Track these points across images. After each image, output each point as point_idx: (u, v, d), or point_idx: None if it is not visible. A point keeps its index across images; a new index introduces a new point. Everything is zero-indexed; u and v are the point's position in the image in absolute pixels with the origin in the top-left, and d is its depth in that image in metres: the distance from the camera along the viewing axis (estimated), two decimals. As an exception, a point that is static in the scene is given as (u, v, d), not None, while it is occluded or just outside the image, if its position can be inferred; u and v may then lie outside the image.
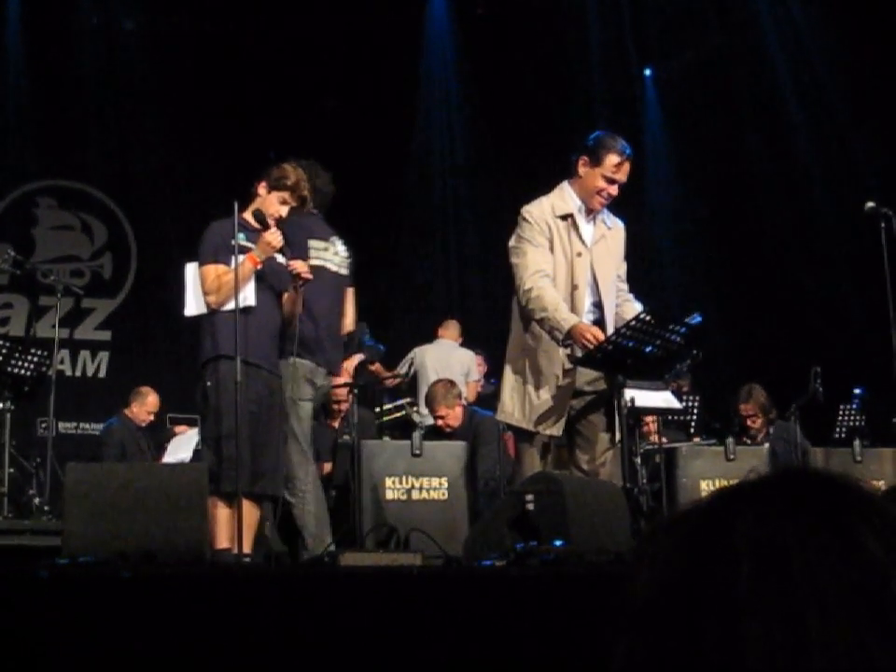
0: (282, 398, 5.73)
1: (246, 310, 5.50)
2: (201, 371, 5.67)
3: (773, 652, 0.80)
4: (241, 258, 5.53)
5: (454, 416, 7.97)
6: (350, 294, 6.39)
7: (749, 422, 8.79)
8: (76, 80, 11.57)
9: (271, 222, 5.70)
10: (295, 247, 5.82)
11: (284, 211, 5.78)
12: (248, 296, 5.55)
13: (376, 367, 8.51)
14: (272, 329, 5.70)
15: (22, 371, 7.53)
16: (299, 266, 5.71)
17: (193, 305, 5.74)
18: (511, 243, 5.49)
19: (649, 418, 7.88)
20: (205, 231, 5.78)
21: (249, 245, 5.61)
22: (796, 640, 0.80)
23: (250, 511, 5.39)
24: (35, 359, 7.61)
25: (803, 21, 11.26)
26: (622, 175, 5.45)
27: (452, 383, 8.32)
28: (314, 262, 5.95)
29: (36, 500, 7.37)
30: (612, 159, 5.42)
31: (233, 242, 5.58)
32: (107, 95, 11.63)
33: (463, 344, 9.60)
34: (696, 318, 5.31)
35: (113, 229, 11.86)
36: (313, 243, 6.09)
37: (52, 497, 7.20)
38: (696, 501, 0.92)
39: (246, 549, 5.31)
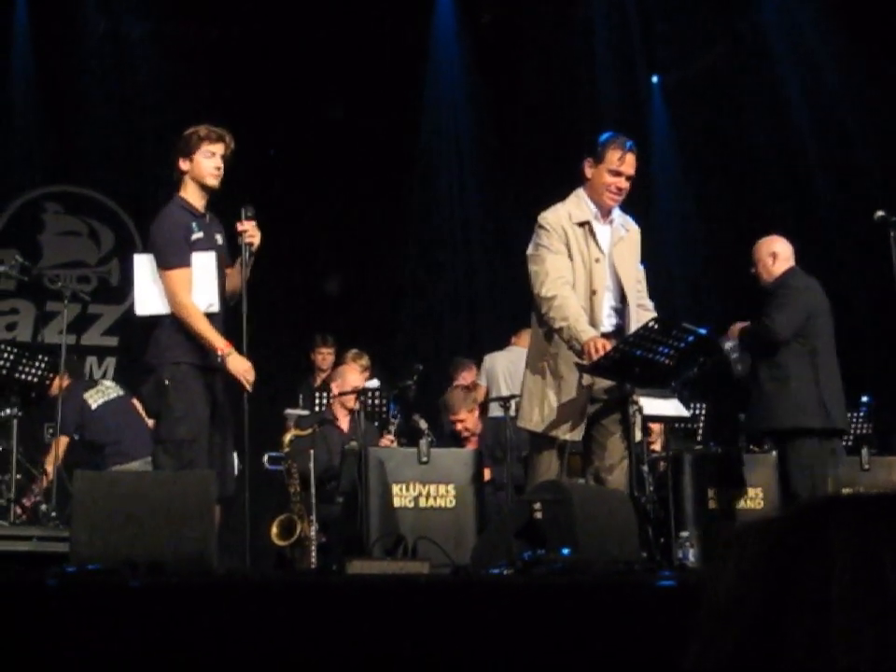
0: (230, 398, 5.68)
1: (210, 314, 5.49)
2: (154, 367, 5.61)
3: (860, 649, 0.81)
4: (199, 255, 5.48)
5: (472, 421, 7.99)
6: None
7: None
8: (83, 86, 11.57)
9: (211, 183, 5.58)
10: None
11: (219, 162, 5.61)
12: (214, 302, 5.52)
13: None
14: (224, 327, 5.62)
15: (29, 378, 7.54)
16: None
17: (151, 303, 5.58)
18: (529, 250, 5.47)
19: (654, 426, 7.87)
20: (155, 224, 5.61)
21: (201, 234, 5.53)
22: (885, 638, 0.81)
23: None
24: (42, 365, 7.61)
25: (810, 29, 11.25)
26: (627, 167, 5.45)
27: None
28: None
29: (43, 507, 7.36)
30: (614, 153, 5.44)
31: (193, 236, 5.51)
32: (115, 101, 11.62)
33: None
34: (701, 330, 5.29)
35: (120, 234, 11.84)
36: None
37: (59, 503, 7.20)
38: (784, 508, 0.93)
39: None
